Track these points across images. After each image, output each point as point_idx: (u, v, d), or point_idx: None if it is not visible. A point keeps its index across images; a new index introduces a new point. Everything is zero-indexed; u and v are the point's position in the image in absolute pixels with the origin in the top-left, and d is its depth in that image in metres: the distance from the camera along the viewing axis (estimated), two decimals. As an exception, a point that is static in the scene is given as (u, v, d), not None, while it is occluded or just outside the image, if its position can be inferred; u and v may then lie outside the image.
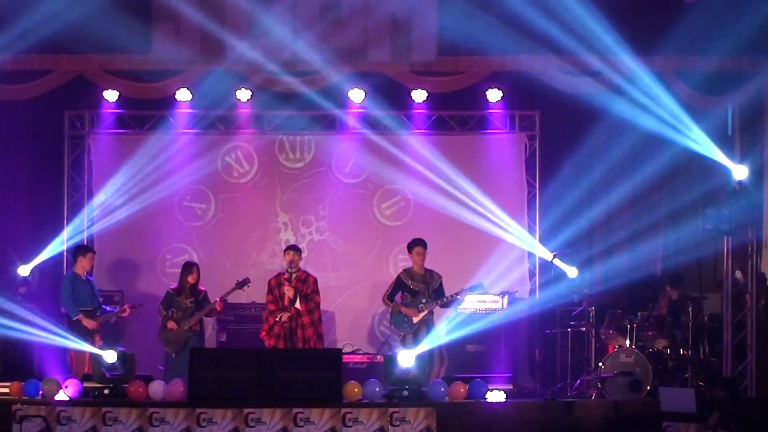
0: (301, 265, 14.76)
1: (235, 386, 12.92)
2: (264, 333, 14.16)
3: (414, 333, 14.10)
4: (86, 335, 13.94)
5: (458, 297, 14.17)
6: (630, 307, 14.76)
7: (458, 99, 15.93)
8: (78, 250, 14.49)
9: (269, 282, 14.37)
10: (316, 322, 14.26)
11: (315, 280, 14.37)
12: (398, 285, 14.32)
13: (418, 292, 14.20)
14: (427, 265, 14.42)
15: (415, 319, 14.12)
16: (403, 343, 14.09)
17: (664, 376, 14.02)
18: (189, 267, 14.43)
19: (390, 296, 14.29)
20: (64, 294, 14.11)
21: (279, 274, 14.40)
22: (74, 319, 13.98)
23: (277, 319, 14.08)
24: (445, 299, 14.12)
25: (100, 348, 13.73)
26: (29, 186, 16.24)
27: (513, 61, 15.26)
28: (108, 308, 14.45)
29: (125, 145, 16.21)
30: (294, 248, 14.47)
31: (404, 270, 14.45)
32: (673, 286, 14.81)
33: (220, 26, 15.05)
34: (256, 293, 14.87)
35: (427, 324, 14.17)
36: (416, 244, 14.28)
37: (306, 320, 14.16)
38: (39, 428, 12.61)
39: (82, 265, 14.28)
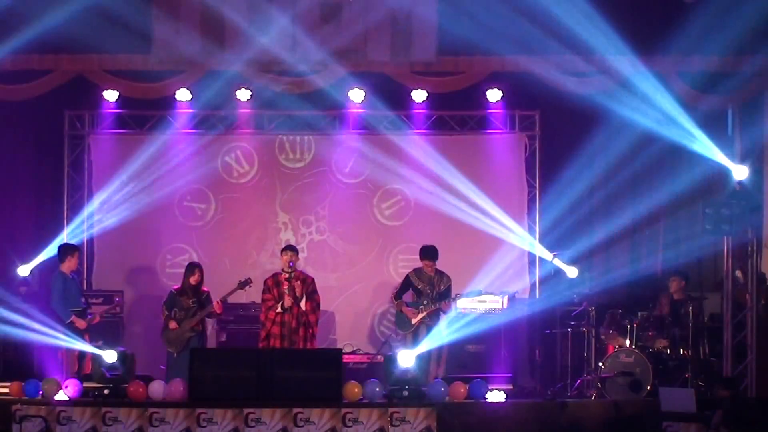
0: (302, 264, 14.73)
1: (235, 386, 12.91)
2: (261, 342, 14.16)
3: (414, 333, 14.16)
4: (78, 335, 13.88)
5: (452, 303, 14.26)
6: (630, 307, 14.74)
7: (458, 99, 15.93)
8: (66, 250, 14.26)
9: (266, 282, 14.35)
10: (319, 320, 14.33)
11: (313, 280, 14.43)
12: (406, 284, 14.43)
13: (422, 293, 14.26)
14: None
15: (414, 320, 14.18)
16: (404, 342, 14.14)
17: (664, 376, 14.01)
18: (191, 268, 14.42)
19: (398, 295, 14.39)
20: (56, 295, 13.93)
21: (275, 275, 14.40)
22: (67, 321, 13.89)
23: (278, 311, 14.09)
24: (440, 304, 14.15)
25: (91, 346, 13.71)
26: (29, 186, 16.23)
27: (513, 61, 15.27)
28: (90, 312, 14.35)
29: (125, 145, 16.21)
30: (293, 248, 14.51)
31: (414, 270, 14.50)
32: (680, 278, 14.76)
33: (219, 26, 15.06)
34: (256, 293, 14.86)
35: (428, 325, 14.22)
36: (424, 257, 14.32)
37: (312, 318, 14.22)
38: (39, 428, 12.60)
39: (69, 265, 14.17)
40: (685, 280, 14.80)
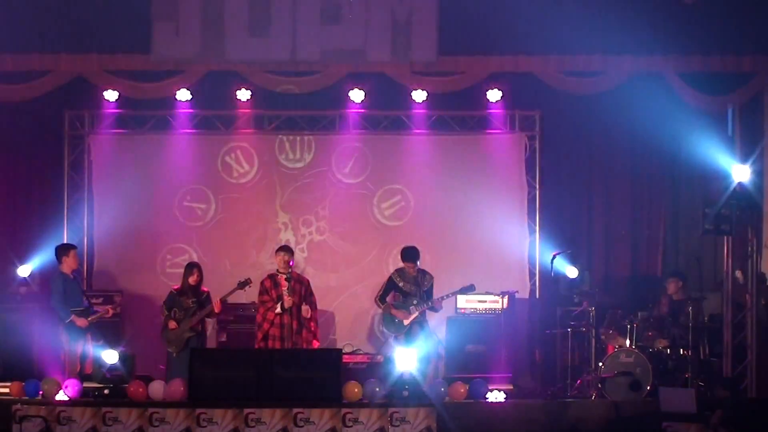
0: (301, 264, 14.69)
1: (235, 386, 12.90)
2: (258, 344, 14.16)
3: (406, 334, 14.13)
4: (79, 335, 13.88)
5: (445, 300, 14.28)
6: (630, 307, 14.75)
7: (458, 99, 15.93)
8: (61, 250, 14.22)
9: (262, 283, 14.33)
10: (318, 320, 14.32)
11: (308, 281, 14.47)
12: (390, 285, 14.35)
13: (409, 293, 14.22)
14: (426, 265, 14.43)
15: (406, 322, 14.15)
16: (397, 343, 14.12)
17: (664, 376, 14.01)
18: (190, 268, 14.42)
19: (381, 297, 14.33)
20: (55, 296, 13.90)
21: (272, 275, 14.37)
22: (66, 321, 13.89)
23: (277, 311, 14.08)
24: (431, 302, 14.15)
25: (92, 346, 13.71)
26: (29, 186, 16.23)
27: (513, 61, 15.29)
28: (96, 308, 14.36)
29: (125, 145, 16.20)
30: (289, 249, 14.53)
31: (396, 270, 14.46)
32: (677, 279, 14.75)
33: (219, 26, 15.07)
34: (255, 293, 14.85)
35: (420, 324, 14.20)
36: (406, 259, 14.26)
37: (310, 322, 14.21)
38: (39, 428, 12.59)
39: (68, 265, 14.14)
40: (682, 280, 14.81)
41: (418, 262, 14.29)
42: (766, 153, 15.49)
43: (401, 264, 14.49)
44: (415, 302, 14.15)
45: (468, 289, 14.37)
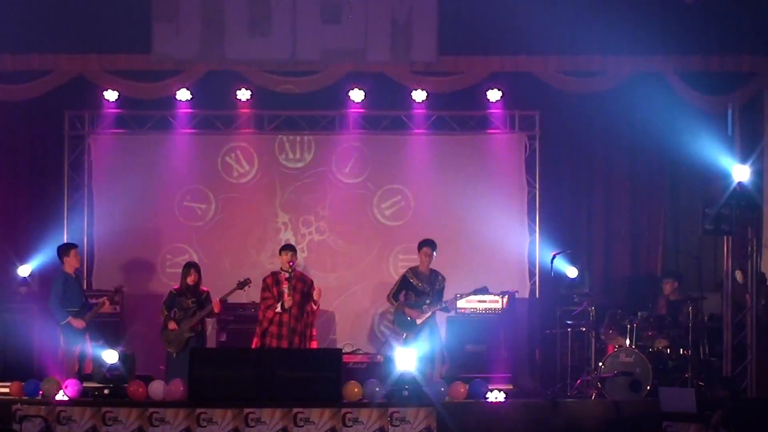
0: (302, 264, 14.67)
1: (235, 386, 12.89)
2: (257, 339, 14.16)
3: (416, 333, 14.12)
4: (77, 336, 13.85)
5: (459, 301, 14.28)
6: (630, 307, 14.75)
7: (458, 99, 15.94)
8: (63, 250, 14.18)
9: (265, 280, 14.31)
10: (317, 320, 14.35)
11: (312, 281, 14.45)
12: (403, 283, 14.31)
13: (422, 292, 14.19)
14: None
15: (419, 321, 14.11)
16: (405, 342, 14.10)
17: (664, 376, 14.01)
18: (187, 268, 14.40)
19: (395, 295, 14.30)
20: (54, 298, 13.81)
21: (275, 273, 14.37)
22: (62, 323, 13.85)
23: (277, 310, 14.08)
24: (445, 303, 14.15)
25: (91, 346, 13.71)
26: (29, 186, 16.24)
27: (513, 61, 15.30)
28: (93, 302, 14.33)
29: (125, 145, 16.21)
30: (292, 248, 14.49)
31: (410, 269, 14.44)
32: (672, 279, 14.74)
33: (220, 26, 15.07)
34: (256, 293, 14.83)
35: (429, 324, 14.18)
36: (424, 245, 14.28)
37: (312, 320, 14.23)
38: (39, 428, 12.59)
39: (70, 264, 14.11)
40: (678, 281, 14.80)
41: (435, 252, 14.24)
42: (766, 153, 15.50)
43: (401, 263, 14.49)
44: (428, 302, 14.14)
45: (481, 291, 14.36)
